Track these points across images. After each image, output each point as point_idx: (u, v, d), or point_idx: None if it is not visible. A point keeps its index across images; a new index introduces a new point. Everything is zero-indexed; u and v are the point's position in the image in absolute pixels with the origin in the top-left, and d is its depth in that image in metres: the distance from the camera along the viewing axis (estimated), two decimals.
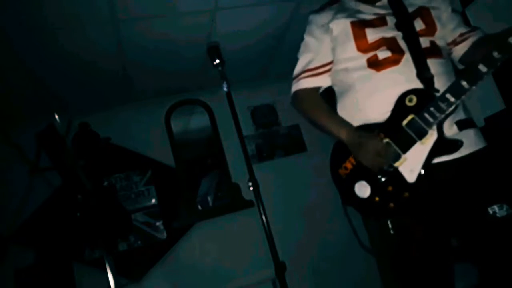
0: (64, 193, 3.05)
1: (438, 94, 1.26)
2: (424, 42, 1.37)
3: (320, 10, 1.58)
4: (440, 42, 1.42)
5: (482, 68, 1.18)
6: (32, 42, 2.39)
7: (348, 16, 1.46)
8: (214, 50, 1.89)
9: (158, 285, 3.19)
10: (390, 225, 1.35)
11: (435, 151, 1.27)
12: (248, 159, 1.86)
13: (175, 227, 3.33)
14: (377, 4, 1.47)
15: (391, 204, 1.32)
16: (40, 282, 2.69)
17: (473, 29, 1.46)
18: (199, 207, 3.59)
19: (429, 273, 1.33)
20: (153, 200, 3.37)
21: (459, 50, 1.46)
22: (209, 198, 3.66)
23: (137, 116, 3.52)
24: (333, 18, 1.48)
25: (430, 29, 1.40)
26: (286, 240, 3.03)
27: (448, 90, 1.24)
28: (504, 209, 1.21)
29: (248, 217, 3.26)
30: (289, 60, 3.81)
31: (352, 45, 1.42)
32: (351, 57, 1.43)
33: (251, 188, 1.82)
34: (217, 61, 1.86)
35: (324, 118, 1.51)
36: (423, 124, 1.27)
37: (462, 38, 1.44)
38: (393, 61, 1.35)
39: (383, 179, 1.34)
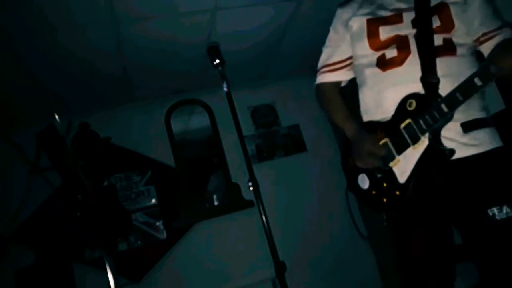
0: (64, 193, 3.05)
1: (435, 103, 1.26)
2: (438, 39, 1.33)
3: (346, 3, 1.58)
4: (458, 39, 1.35)
5: (478, 81, 1.17)
6: (32, 42, 2.39)
7: (367, 13, 1.47)
8: (214, 50, 1.88)
9: (158, 285, 3.19)
10: (384, 217, 1.45)
11: (425, 157, 1.28)
12: (248, 159, 1.85)
13: (175, 227, 3.32)
14: None
15: (384, 199, 1.38)
16: (40, 282, 2.68)
17: (499, 27, 1.36)
18: (207, 204, 3.59)
19: (428, 271, 1.35)
20: (153, 200, 3.37)
21: (484, 50, 1.39)
22: (215, 196, 3.67)
23: (137, 116, 3.52)
24: (353, 15, 1.51)
25: (446, 26, 1.35)
26: (286, 240, 3.03)
27: (444, 100, 1.24)
28: (504, 211, 1.21)
29: (248, 217, 3.26)
30: (289, 60, 3.82)
31: (365, 43, 1.44)
32: (365, 54, 1.46)
33: (251, 188, 1.82)
34: (217, 61, 1.85)
35: (335, 113, 1.58)
36: (417, 130, 1.29)
37: (486, 37, 1.36)
38: (397, 62, 1.37)
39: (379, 175, 1.39)
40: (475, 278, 1.34)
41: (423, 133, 1.28)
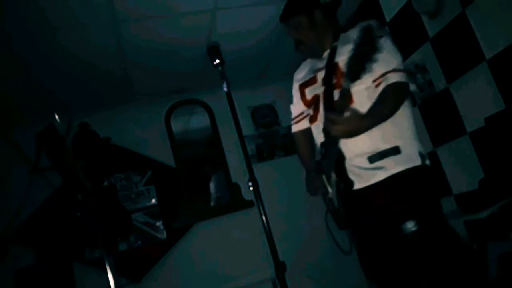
0: (64, 193, 3.05)
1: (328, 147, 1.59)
2: (337, 93, 1.55)
3: (297, 67, 1.92)
4: (353, 89, 1.46)
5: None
6: (32, 42, 2.39)
7: (300, 78, 1.81)
8: (214, 50, 1.88)
9: (158, 285, 3.19)
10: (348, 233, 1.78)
11: (337, 189, 1.65)
12: (248, 159, 1.85)
13: (175, 227, 3.33)
14: (323, 55, 1.68)
15: (339, 221, 1.75)
16: (40, 282, 2.68)
17: (383, 74, 1.50)
18: (207, 204, 3.59)
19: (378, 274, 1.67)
20: (153, 200, 3.37)
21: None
22: (216, 196, 3.68)
23: (137, 116, 3.52)
24: (294, 80, 1.87)
25: (339, 81, 1.56)
26: (286, 240, 3.03)
27: (330, 144, 1.57)
28: (408, 226, 1.45)
29: (248, 217, 3.26)
30: (289, 60, 3.80)
31: (301, 102, 1.79)
32: (305, 109, 1.79)
33: (251, 188, 1.82)
34: (217, 61, 1.85)
35: (300, 156, 1.97)
36: (327, 168, 1.64)
37: (375, 84, 1.54)
38: (314, 118, 1.70)
39: (329, 203, 1.75)
40: None
41: (330, 170, 1.62)
